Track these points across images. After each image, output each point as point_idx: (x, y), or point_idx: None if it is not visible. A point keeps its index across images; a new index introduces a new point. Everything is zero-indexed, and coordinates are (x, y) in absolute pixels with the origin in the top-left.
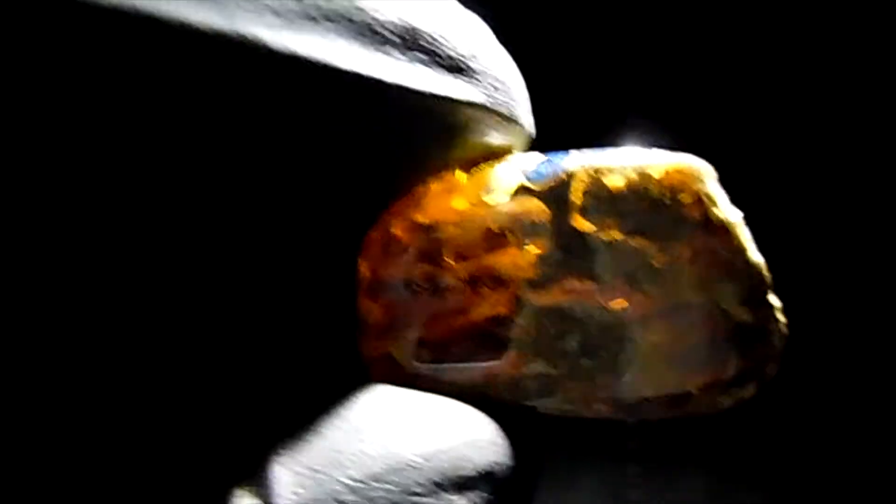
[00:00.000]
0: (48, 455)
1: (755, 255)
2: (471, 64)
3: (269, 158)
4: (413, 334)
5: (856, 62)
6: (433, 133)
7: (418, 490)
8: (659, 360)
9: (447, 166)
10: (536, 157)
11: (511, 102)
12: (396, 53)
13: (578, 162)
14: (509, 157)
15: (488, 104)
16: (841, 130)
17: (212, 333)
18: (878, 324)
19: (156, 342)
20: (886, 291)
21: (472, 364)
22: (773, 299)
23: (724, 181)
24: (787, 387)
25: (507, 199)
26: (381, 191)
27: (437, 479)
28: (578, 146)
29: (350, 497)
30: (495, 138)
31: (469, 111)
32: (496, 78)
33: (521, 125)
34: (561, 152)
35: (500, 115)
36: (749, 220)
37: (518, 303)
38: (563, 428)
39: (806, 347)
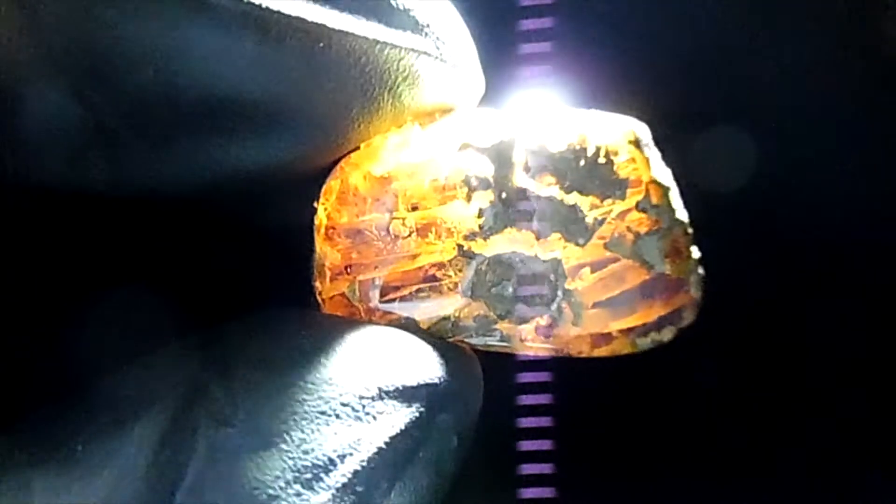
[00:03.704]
0: None
1: (681, 214)
2: (417, 17)
3: (221, 103)
4: (366, 277)
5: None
6: (382, 81)
7: (366, 394)
8: (587, 306)
9: (402, 117)
10: (485, 114)
11: (458, 55)
12: (342, 5)
13: (522, 122)
14: (460, 113)
15: (435, 54)
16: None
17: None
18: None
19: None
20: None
21: (419, 305)
22: (695, 253)
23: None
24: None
25: (456, 154)
26: (336, 139)
27: (382, 386)
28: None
29: (304, 396)
30: (446, 90)
31: (417, 60)
32: (443, 30)
33: (469, 77)
34: (507, 111)
35: (448, 65)
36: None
37: (462, 251)
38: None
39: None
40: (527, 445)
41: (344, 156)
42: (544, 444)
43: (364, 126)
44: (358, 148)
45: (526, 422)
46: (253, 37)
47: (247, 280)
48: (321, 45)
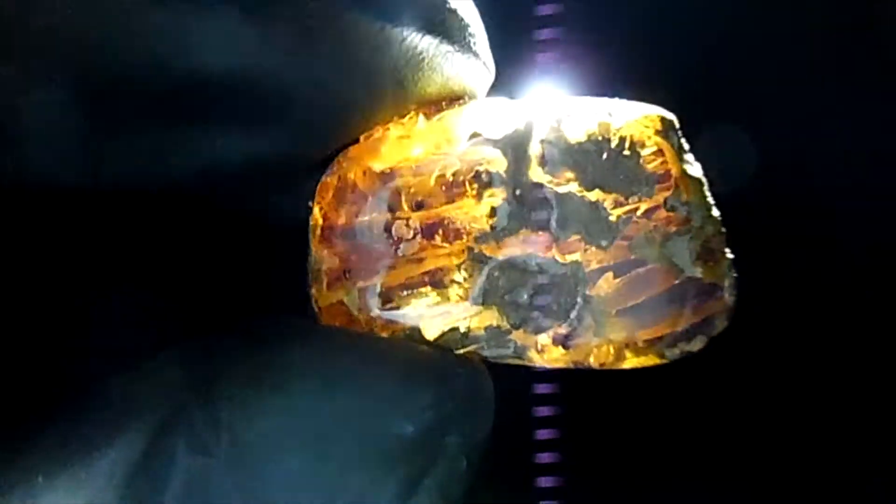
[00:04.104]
0: None
1: (713, 211)
2: None
3: (208, 88)
4: (366, 283)
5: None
6: (383, 64)
7: (364, 418)
8: (609, 313)
9: (405, 106)
10: (496, 104)
11: (467, 38)
12: None
13: (538, 111)
14: (469, 102)
15: (442, 36)
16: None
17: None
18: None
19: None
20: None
21: (425, 314)
22: (729, 254)
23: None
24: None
25: (465, 147)
26: (333, 129)
27: (382, 408)
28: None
29: (294, 420)
30: (453, 76)
31: (422, 42)
32: (451, 11)
33: (479, 62)
34: (521, 99)
35: (456, 49)
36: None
37: (471, 255)
38: None
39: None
40: (541, 458)
41: (341, 149)
42: (556, 457)
43: (363, 115)
44: (357, 141)
45: (540, 433)
46: (241, 14)
47: (240, 286)
48: (315, 23)
